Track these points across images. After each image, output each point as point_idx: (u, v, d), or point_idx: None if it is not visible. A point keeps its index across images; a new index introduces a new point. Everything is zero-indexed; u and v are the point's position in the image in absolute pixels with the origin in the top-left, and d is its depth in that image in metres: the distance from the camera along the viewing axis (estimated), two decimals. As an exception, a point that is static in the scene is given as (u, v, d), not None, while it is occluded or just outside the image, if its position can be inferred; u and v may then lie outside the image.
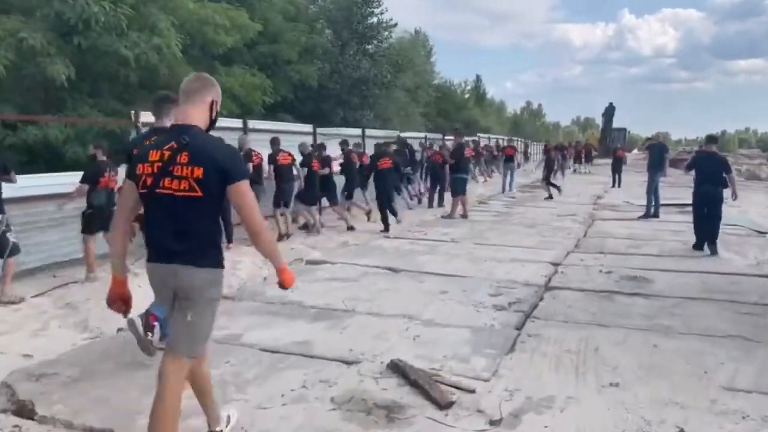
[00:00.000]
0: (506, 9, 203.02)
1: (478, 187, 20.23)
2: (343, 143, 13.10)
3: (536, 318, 5.53)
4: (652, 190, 13.27)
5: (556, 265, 8.00)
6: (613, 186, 22.02)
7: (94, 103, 13.23)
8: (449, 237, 10.17)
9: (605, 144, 47.37)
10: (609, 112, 50.75)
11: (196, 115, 2.74)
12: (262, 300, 6.03)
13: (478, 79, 63.08)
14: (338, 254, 8.59)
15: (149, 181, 2.65)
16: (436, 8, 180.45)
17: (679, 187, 21.30)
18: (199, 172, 2.60)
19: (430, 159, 15.52)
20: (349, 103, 20.54)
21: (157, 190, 2.64)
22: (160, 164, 2.63)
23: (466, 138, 25.87)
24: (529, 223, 12.21)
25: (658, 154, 13.51)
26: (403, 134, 19.62)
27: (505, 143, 27.06)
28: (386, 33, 22.56)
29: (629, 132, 65.43)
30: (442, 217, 13.01)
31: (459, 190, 13.11)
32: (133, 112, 8.41)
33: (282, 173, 10.03)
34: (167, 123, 3.95)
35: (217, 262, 2.77)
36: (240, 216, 2.71)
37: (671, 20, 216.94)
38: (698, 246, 9.18)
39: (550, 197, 16.98)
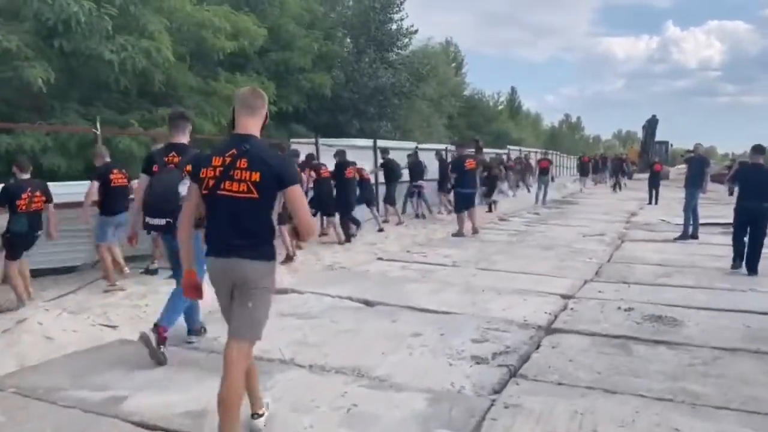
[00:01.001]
0: (548, 23, 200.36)
1: (505, 202, 18.94)
2: (337, 154, 12.06)
3: (523, 377, 4.28)
4: (691, 209, 11.79)
5: (567, 298, 6.71)
6: (650, 203, 20.41)
7: (86, 112, 12.44)
8: (451, 260, 8.94)
9: (645, 158, 44.55)
10: (651, 125, 46.87)
11: (254, 125, 3.05)
12: (189, 345, 4.92)
13: (513, 91, 61.60)
14: (314, 281, 7.45)
15: (212, 183, 2.96)
16: (479, 24, 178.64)
17: (722, 205, 19.61)
18: (256, 176, 2.91)
19: None
20: (366, 113, 19.48)
21: (219, 192, 2.94)
22: (221, 168, 2.94)
23: (497, 151, 24.69)
24: (548, 244, 10.87)
25: (697, 168, 12.01)
26: (424, 146, 18.50)
27: (539, 156, 25.73)
28: (406, 40, 21.52)
29: (672, 145, 62.03)
30: (452, 235, 11.78)
31: (459, 207, 12.12)
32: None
33: None
34: (182, 139, 4.64)
35: (271, 255, 3.07)
36: (294, 216, 3.08)
37: (717, 32, 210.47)
38: (737, 264, 8.37)
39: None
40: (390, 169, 13.75)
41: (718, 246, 10.59)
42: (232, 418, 2.93)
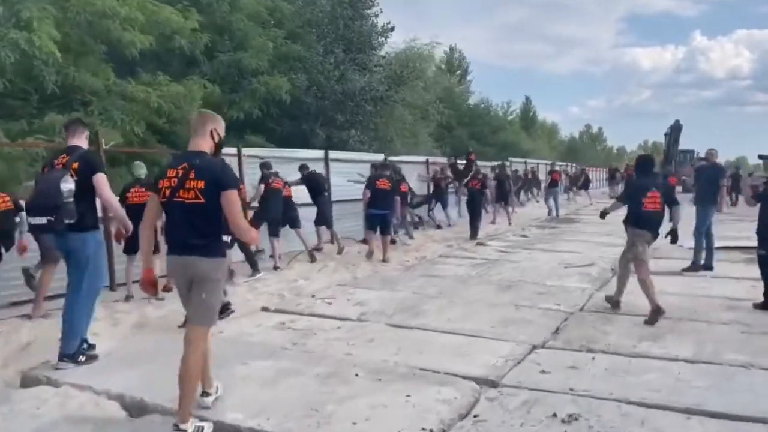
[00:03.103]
0: (573, 35, 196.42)
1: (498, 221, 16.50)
2: (263, 166, 9.84)
3: None
4: (703, 232, 9.23)
5: (487, 385, 4.27)
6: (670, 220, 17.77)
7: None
8: (361, 310, 6.53)
9: (668, 168, 40.35)
10: (674, 131, 40.95)
11: (203, 144, 3.56)
12: None
13: (527, 100, 58.96)
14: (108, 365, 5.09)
15: (168, 192, 3.43)
16: (501, 39, 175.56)
17: (750, 222, 16.82)
18: (201, 184, 3.38)
19: (468, 185, 14.71)
20: (334, 121, 17.13)
21: (174, 199, 3.42)
22: (176, 179, 3.42)
23: (493, 163, 22.08)
24: (513, 280, 8.39)
25: (710, 179, 9.46)
26: (397, 158, 16.14)
27: (549, 167, 23.56)
28: (382, 39, 19.13)
29: (698, 154, 57.10)
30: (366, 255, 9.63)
31: (368, 226, 10.89)
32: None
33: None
34: (79, 142, 4.79)
35: (221, 252, 3.53)
36: (228, 218, 3.41)
37: (746, 41, 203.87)
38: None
39: None
40: (314, 184, 11.30)
41: (738, 281, 8.07)
42: (190, 392, 3.42)
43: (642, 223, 6.54)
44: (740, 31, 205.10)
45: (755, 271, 9.09)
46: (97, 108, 11.16)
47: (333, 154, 13.26)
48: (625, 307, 6.70)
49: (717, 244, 9.55)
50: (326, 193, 11.60)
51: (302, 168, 11.33)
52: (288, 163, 12.02)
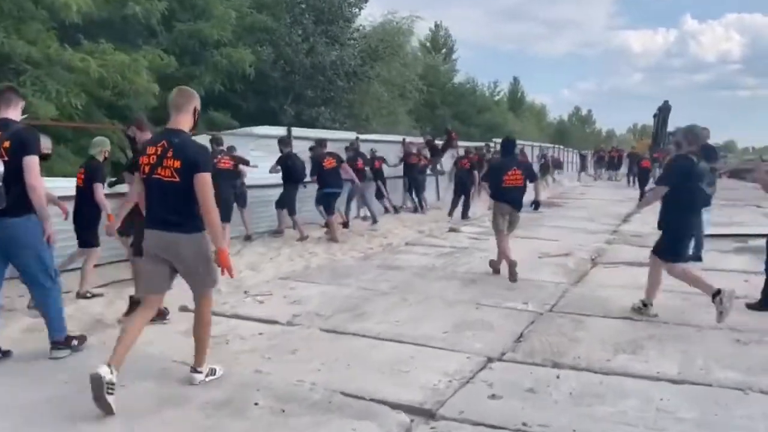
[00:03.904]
0: (566, 16, 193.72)
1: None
2: (214, 141, 8.94)
3: None
4: (691, 218, 8.35)
5: (418, 416, 3.40)
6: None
7: None
8: (294, 311, 5.59)
9: (657, 149, 39.02)
10: (663, 112, 39.20)
11: (182, 121, 3.60)
12: None
13: (515, 81, 57.84)
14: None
15: (147, 169, 3.52)
16: (495, 20, 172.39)
17: (742, 207, 16.07)
18: (178, 163, 3.44)
19: (458, 165, 14.38)
20: (303, 97, 16.06)
21: (153, 176, 3.50)
22: (155, 157, 3.49)
23: (479, 144, 21.09)
24: (480, 273, 7.52)
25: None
26: (369, 137, 15.18)
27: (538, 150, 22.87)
28: (356, 10, 17.96)
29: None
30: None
31: (322, 206, 10.38)
32: None
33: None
34: (10, 114, 4.17)
35: (197, 228, 3.56)
36: (198, 201, 3.46)
37: (736, 25, 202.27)
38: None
39: None
40: (290, 168, 10.35)
41: (729, 275, 7.22)
42: (203, 343, 3.82)
43: (502, 197, 7.24)
44: (730, 14, 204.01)
45: (746, 262, 8.29)
46: (29, 78, 10.06)
47: (297, 131, 12.25)
48: (602, 306, 5.82)
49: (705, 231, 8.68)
50: (302, 182, 10.56)
51: (282, 144, 10.35)
52: (246, 141, 11.09)
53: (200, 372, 3.78)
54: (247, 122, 14.17)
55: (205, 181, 3.44)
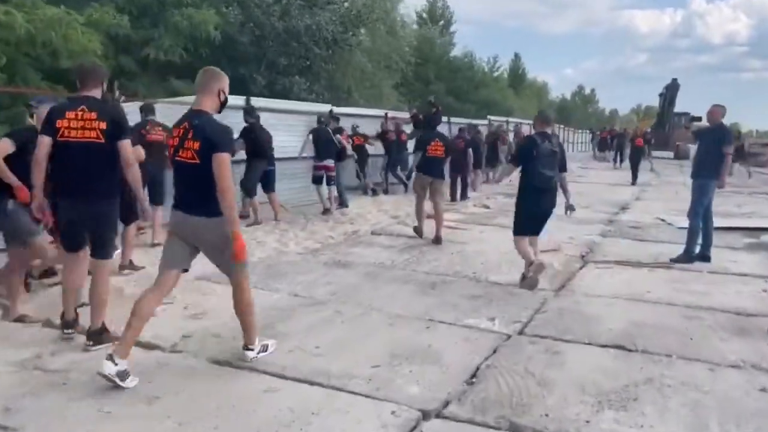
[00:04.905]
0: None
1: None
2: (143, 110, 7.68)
3: None
4: (700, 213, 7.10)
5: None
6: (633, 183, 17.58)
7: None
8: (188, 331, 4.33)
9: (662, 132, 36.37)
10: (670, 90, 37.13)
11: (206, 102, 3.52)
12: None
13: (516, 57, 56.08)
14: None
15: (172, 151, 3.50)
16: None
17: (746, 195, 14.76)
18: (197, 144, 3.38)
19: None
20: (276, 66, 14.64)
21: (176, 158, 3.48)
22: (178, 138, 3.45)
23: (473, 121, 19.65)
24: (446, 272, 6.29)
25: (711, 145, 7.24)
26: (348, 110, 13.87)
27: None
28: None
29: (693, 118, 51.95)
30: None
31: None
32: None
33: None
34: None
35: (219, 212, 3.39)
36: (216, 182, 3.35)
37: (744, 7, 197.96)
38: None
39: None
40: (254, 141, 9.09)
41: (743, 281, 6.06)
42: (250, 323, 3.80)
43: (425, 168, 7.99)
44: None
45: (762, 263, 7.07)
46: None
47: (257, 101, 10.91)
48: (586, 328, 4.58)
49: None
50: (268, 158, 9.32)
51: (248, 114, 9.19)
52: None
53: (252, 349, 3.76)
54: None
55: (222, 161, 3.36)
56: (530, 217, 5.76)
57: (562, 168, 5.96)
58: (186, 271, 3.68)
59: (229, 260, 3.47)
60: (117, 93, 5.90)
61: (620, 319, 4.79)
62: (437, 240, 7.79)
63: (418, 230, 8.12)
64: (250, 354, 3.74)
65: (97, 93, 3.92)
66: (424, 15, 36.28)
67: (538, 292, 5.63)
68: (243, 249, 3.43)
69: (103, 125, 3.77)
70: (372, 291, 5.46)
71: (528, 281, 5.65)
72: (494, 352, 4.09)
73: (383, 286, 5.74)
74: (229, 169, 3.41)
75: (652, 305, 5.27)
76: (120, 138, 3.80)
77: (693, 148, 27.90)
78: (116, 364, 3.26)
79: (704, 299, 5.47)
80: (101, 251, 3.96)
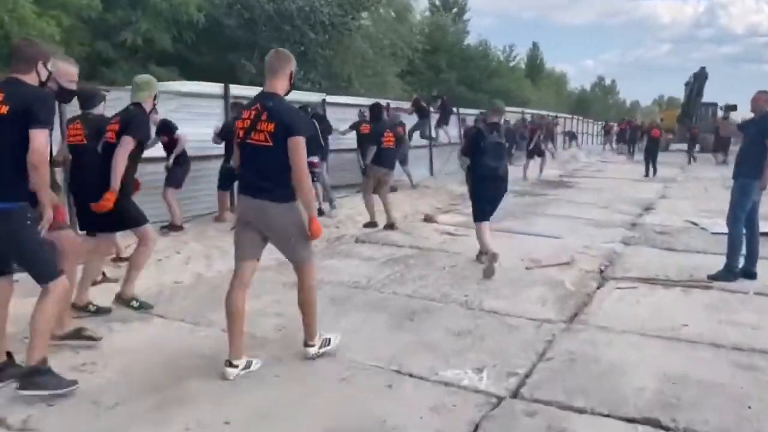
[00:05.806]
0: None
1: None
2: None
3: None
4: (742, 217, 5.86)
5: None
6: (647, 174, 16.64)
7: None
8: (27, 415, 3.23)
9: (687, 123, 33.48)
10: (698, 79, 33.75)
11: (278, 84, 3.43)
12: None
13: (534, 47, 54.46)
14: None
15: (242, 133, 3.42)
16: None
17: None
18: (271, 126, 3.30)
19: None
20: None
21: (247, 141, 3.38)
22: (250, 121, 3.38)
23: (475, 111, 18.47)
24: (431, 295, 5.12)
25: (756, 137, 5.94)
26: (339, 99, 12.73)
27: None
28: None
29: (721, 109, 47.39)
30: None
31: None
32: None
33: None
34: None
35: (289, 197, 3.39)
36: (292, 166, 3.30)
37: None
38: None
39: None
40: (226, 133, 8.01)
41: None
42: (312, 317, 3.70)
43: (381, 160, 8.14)
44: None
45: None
46: None
47: (236, 89, 9.80)
48: (603, 386, 3.39)
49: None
50: None
51: (234, 107, 8.19)
52: (166, 99, 8.64)
53: (312, 345, 3.66)
54: (198, 79, 11.76)
55: (299, 145, 3.29)
56: (484, 203, 6.06)
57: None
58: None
59: (293, 249, 3.47)
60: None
61: (651, 371, 3.59)
62: (391, 226, 8.00)
63: (371, 225, 8.22)
64: (312, 350, 3.65)
65: (27, 75, 3.12)
66: (437, 2, 34.92)
67: (543, 324, 4.44)
68: (319, 230, 3.46)
69: (4, 109, 2.96)
70: (332, 323, 4.27)
71: (486, 270, 5.70)
72: (476, 430, 2.92)
73: (349, 314, 4.59)
74: (305, 154, 3.34)
75: (692, 347, 4.06)
76: (30, 126, 2.94)
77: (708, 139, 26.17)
78: (236, 366, 3.37)
79: (757, 337, 4.25)
80: (35, 276, 3.18)
